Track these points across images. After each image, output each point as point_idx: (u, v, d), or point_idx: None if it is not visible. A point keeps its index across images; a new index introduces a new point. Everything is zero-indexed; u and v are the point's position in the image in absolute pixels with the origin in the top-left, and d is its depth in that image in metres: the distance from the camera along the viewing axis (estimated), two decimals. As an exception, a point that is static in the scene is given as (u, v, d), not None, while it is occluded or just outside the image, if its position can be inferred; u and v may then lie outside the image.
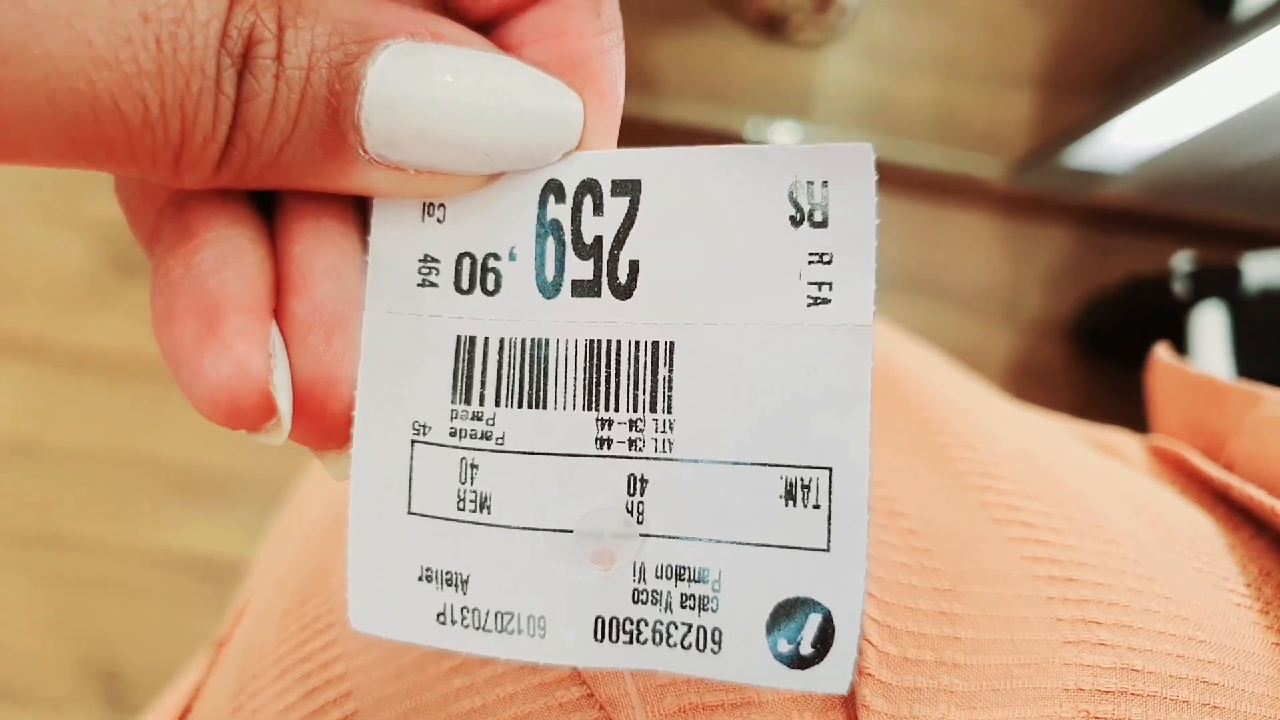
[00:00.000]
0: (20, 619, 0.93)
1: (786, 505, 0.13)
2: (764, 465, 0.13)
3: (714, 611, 0.13)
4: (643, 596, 0.13)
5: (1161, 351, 0.32)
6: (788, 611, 0.13)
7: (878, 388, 0.24)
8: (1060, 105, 0.99)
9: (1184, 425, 0.29)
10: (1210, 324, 0.83)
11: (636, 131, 0.96)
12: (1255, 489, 0.21)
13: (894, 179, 0.97)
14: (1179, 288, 0.87)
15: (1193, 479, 0.24)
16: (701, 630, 0.13)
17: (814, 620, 0.12)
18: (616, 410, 0.14)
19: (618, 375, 0.14)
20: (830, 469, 0.13)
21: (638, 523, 0.13)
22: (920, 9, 1.00)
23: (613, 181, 0.14)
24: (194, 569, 0.94)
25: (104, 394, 0.95)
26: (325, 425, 0.14)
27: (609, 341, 0.14)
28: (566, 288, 0.14)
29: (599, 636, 0.13)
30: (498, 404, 0.14)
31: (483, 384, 0.14)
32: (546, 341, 0.14)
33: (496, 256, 0.14)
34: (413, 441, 0.14)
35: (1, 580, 0.93)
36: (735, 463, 0.13)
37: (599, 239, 0.14)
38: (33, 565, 0.93)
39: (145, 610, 0.93)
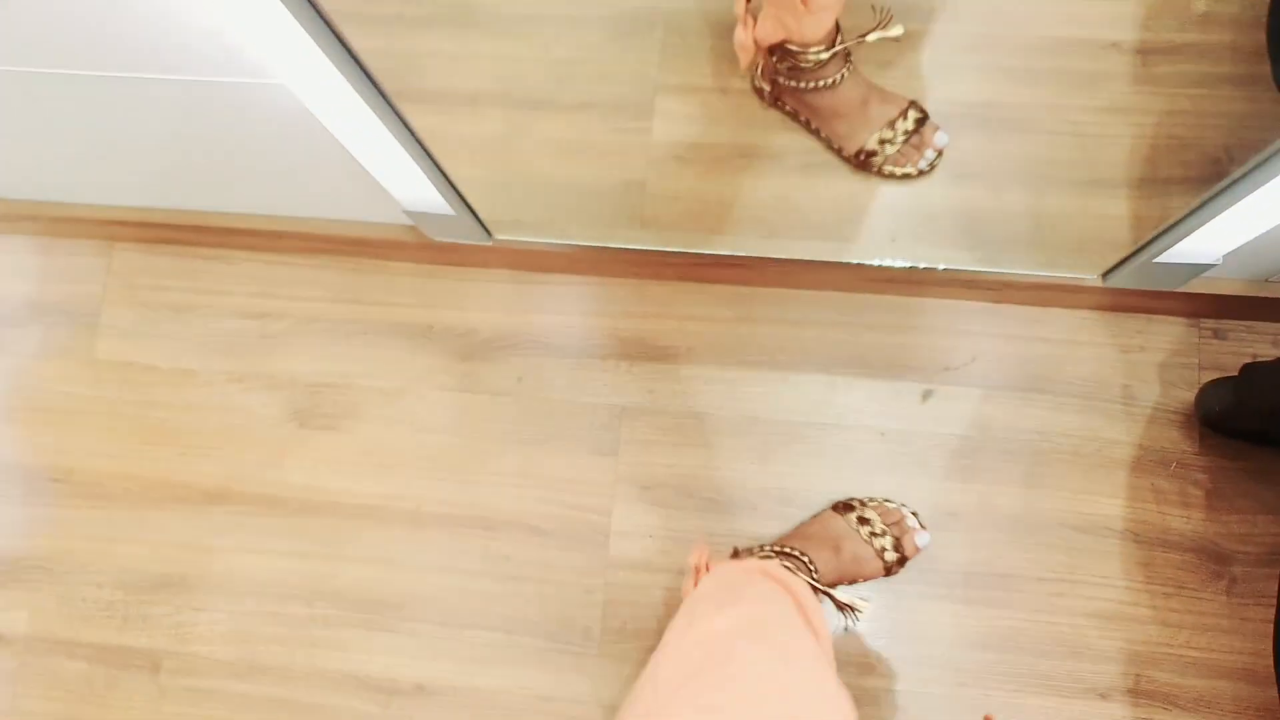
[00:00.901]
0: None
1: None
2: None
3: None
4: None
5: None
6: None
7: None
8: (1156, 201, 1.03)
9: None
10: (1333, 408, 0.83)
11: (749, 266, 1.04)
12: None
13: (995, 286, 1.02)
14: (1297, 373, 0.88)
15: None
16: None
17: None
18: None
19: None
20: None
21: None
22: (1006, 124, 1.06)
23: None
24: (377, 693, 1.04)
25: (287, 531, 1.07)
26: None
27: None
28: None
29: None
30: None
31: None
32: None
33: None
34: None
35: (211, 709, 1.05)
36: None
37: None
38: (237, 695, 1.05)
39: (335, 731, 1.03)
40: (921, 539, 0.98)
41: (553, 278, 1.10)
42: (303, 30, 0.62)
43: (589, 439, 1.06)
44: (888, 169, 1.04)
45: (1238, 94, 1.04)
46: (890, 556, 0.96)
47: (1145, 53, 1.06)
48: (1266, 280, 0.97)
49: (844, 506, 0.99)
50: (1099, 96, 1.06)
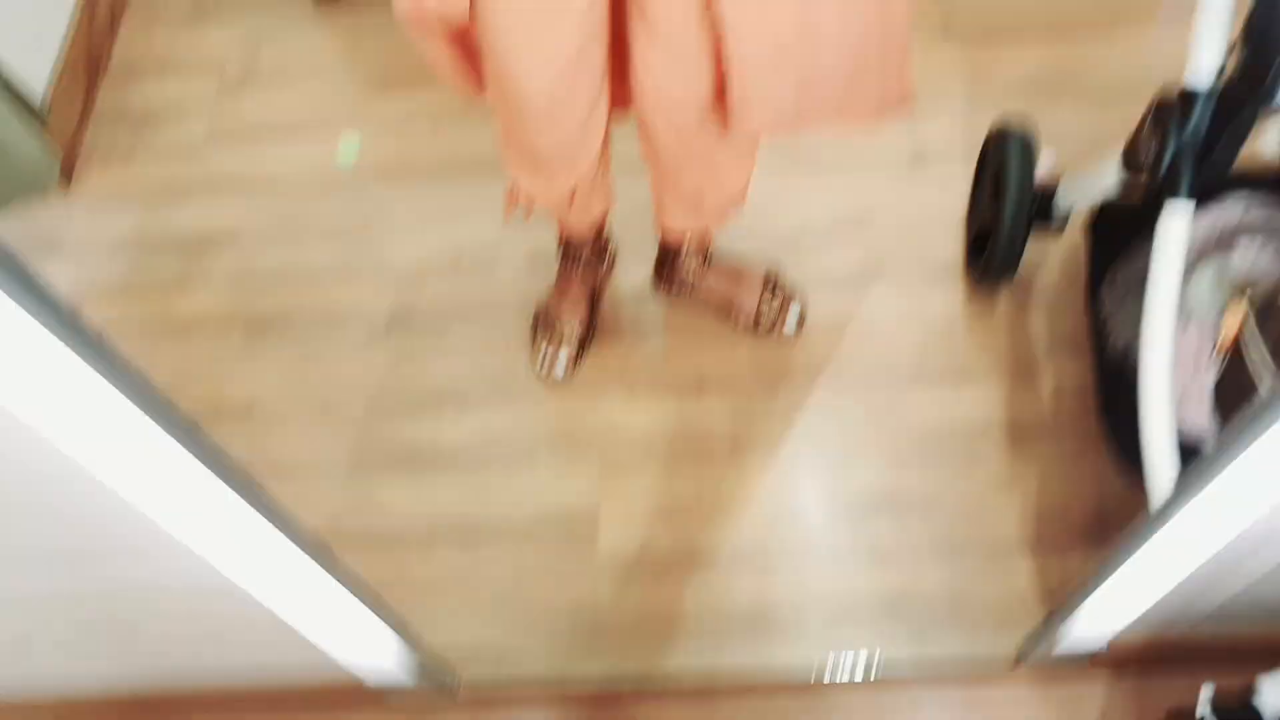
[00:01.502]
0: None
1: None
2: None
3: None
4: None
5: None
6: None
7: None
8: (1055, 560, 1.13)
9: None
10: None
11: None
12: None
13: (924, 678, 1.08)
14: (1209, 730, 0.93)
15: None
16: None
17: None
18: None
19: None
20: None
21: None
22: (911, 507, 1.17)
23: None
24: None
25: None
26: None
27: None
28: None
29: None
30: None
31: None
32: None
33: None
34: None
35: None
36: None
37: None
38: None
39: None
40: None
41: (513, 712, 1.12)
42: (292, 554, 0.67)
43: None
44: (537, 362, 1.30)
45: (1101, 459, 1.17)
46: None
47: (1014, 429, 1.21)
48: (1172, 630, 1.05)
49: None
50: (984, 472, 1.19)
